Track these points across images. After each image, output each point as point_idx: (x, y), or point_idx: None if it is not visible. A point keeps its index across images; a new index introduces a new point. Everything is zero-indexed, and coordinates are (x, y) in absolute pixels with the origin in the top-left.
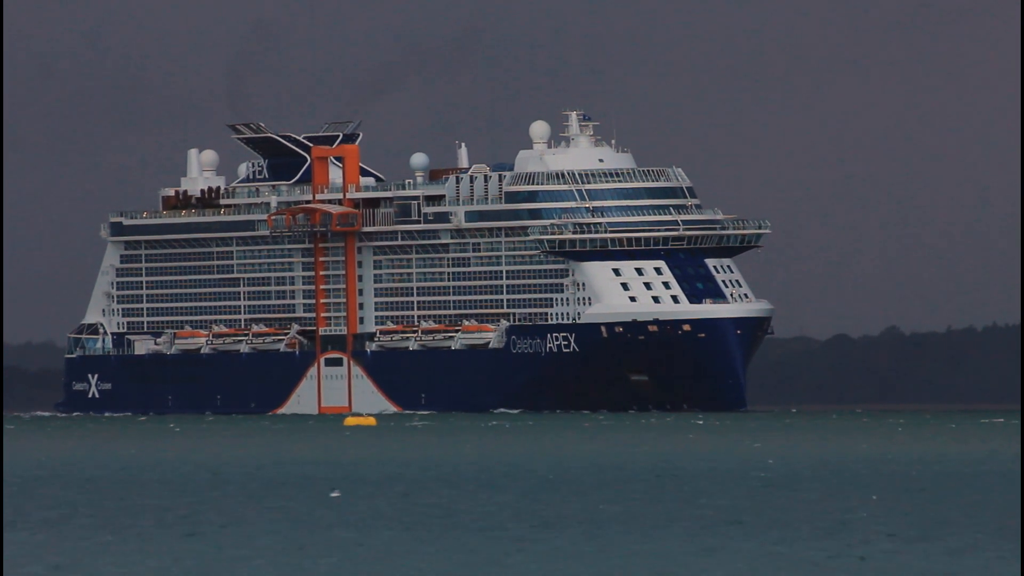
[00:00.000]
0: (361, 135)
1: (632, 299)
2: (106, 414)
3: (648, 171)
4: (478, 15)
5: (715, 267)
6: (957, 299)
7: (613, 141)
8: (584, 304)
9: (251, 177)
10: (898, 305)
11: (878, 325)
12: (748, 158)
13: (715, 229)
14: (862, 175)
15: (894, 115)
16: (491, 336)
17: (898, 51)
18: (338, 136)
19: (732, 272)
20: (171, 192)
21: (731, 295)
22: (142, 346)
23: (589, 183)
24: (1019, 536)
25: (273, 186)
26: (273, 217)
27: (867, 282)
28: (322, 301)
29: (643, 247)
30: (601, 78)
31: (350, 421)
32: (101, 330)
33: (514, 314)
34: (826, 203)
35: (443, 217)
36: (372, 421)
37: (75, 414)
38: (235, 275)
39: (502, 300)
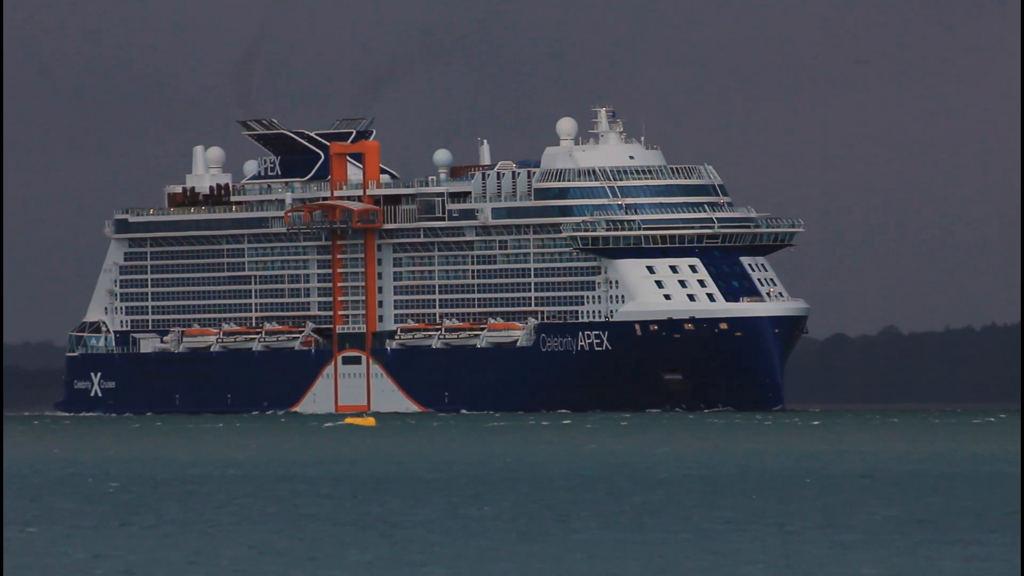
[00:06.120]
0: (374, 132)
1: (667, 297)
2: (156, 413)
3: (679, 168)
4: (494, 9)
5: (750, 265)
6: (956, 299)
7: (642, 138)
8: (617, 302)
9: (262, 174)
10: (896, 305)
11: (876, 325)
12: (771, 156)
13: (749, 227)
14: (860, 175)
15: (894, 116)
16: (519, 334)
17: (897, 53)
18: (351, 133)
19: (767, 271)
20: (178, 189)
21: (767, 294)
22: (148, 344)
23: (621, 180)
24: (1019, 536)
25: (286, 183)
26: (290, 214)
27: (865, 282)
28: (339, 299)
29: (677, 245)
30: (626, 75)
31: (350, 421)
32: (103, 328)
33: (542, 312)
34: (822, 204)
35: (469, 214)
36: (372, 421)
37: (92, 414)
38: (246, 272)
39: (530, 298)
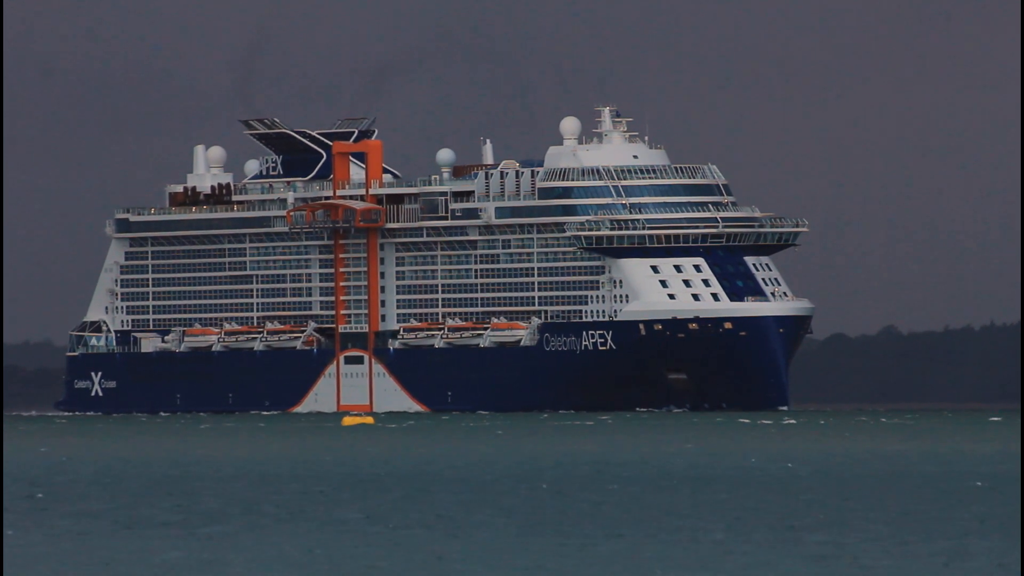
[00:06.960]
0: (377, 131)
1: (671, 296)
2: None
3: (683, 168)
4: (497, 9)
5: (754, 265)
6: (955, 299)
7: (646, 137)
8: (621, 301)
9: (264, 173)
10: (896, 305)
11: (876, 324)
12: (775, 156)
13: (753, 227)
14: (863, 175)
15: (895, 116)
16: (523, 334)
17: (897, 53)
18: (353, 132)
19: (771, 270)
20: (179, 189)
21: (771, 293)
22: (149, 344)
23: (625, 179)
24: (1019, 536)
25: (288, 182)
26: (292, 213)
27: (865, 282)
28: (342, 298)
29: (681, 244)
30: (630, 74)
31: (348, 421)
32: (104, 328)
33: (546, 312)
34: (823, 203)
35: (472, 213)
36: (370, 420)
37: (89, 413)
38: (248, 272)
39: (533, 297)
